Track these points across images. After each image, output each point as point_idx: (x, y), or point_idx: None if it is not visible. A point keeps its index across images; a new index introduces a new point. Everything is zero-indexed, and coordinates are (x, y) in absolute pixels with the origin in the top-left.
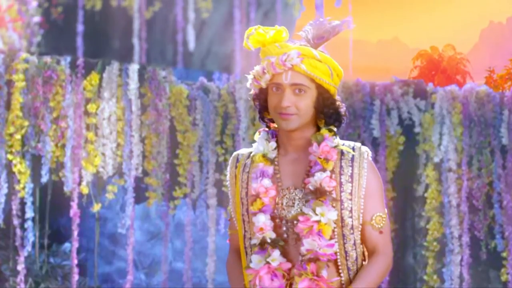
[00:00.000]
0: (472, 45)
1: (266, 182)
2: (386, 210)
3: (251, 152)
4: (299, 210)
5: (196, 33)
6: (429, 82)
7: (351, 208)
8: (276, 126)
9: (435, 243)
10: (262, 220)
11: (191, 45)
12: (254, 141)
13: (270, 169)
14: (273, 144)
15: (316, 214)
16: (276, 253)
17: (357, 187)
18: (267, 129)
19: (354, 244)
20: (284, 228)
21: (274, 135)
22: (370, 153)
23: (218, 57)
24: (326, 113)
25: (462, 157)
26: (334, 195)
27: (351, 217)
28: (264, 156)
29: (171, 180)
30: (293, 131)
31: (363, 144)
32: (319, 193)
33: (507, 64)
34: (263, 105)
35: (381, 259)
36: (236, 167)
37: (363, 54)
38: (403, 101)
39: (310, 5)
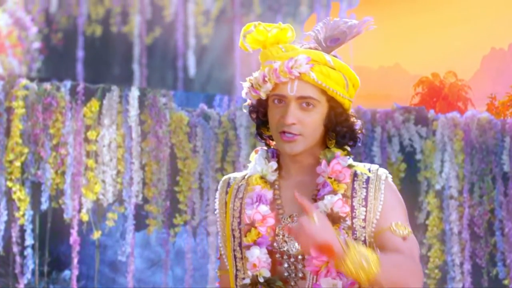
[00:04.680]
0: (474, 72)
1: (264, 208)
2: (410, 228)
3: (245, 176)
4: None
5: (197, 59)
6: (431, 109)
7: (365, 237)
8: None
9: (436, 271)
10: (256, 255)
11: (192, 70)
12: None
13: (269, 194)
14: (273, 164)
15: None
16: None
17: (372, 212)
18: (265, 147)
19: None
20: (286, 265)
21: (275, 154)
22: (389, 176)
23: (219, 82)
24: (339, 132)
25: (464, 184)
26: (348, 223)
27: None
28: (262, 178)
29: (172, 207)
30: (297, 155)
31: None
32: (331, 220)
33: (509, 90)
34: (262, 119)
35: (409, 260)
36: (226, 192)
37: (364, 81)
38: (404, 128)
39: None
